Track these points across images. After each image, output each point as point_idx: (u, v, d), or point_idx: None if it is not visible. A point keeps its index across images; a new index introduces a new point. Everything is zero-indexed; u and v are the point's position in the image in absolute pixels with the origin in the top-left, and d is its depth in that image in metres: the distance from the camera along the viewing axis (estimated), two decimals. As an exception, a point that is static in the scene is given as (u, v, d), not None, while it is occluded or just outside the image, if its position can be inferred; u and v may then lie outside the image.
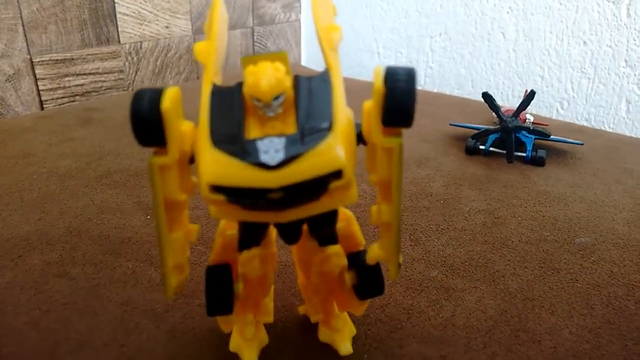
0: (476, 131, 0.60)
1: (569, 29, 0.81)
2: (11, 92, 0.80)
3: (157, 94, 0.23)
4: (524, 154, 0.57)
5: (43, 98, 0.83)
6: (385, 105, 0.22)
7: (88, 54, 0.86)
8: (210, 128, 0.23)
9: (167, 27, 0.96)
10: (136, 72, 0.94)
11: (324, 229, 0.27)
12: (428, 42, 0.97)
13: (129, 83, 0.93)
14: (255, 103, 0.23)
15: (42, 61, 0.82)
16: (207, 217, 0.46)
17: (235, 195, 0.23)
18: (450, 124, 0.67)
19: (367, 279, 0.28)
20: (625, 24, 0.75)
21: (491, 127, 0.57)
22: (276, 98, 0.23)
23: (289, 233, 0.27)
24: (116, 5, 0.88)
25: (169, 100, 0.23)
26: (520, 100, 0.55)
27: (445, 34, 0.95)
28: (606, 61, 0.79)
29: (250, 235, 0.27)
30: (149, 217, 0.47)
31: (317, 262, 0.28)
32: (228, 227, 0.29)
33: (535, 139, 0.59)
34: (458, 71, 0.96)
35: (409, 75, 0.22)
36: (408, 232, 0.43)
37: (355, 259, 0.29)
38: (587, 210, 0.48)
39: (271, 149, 0.22)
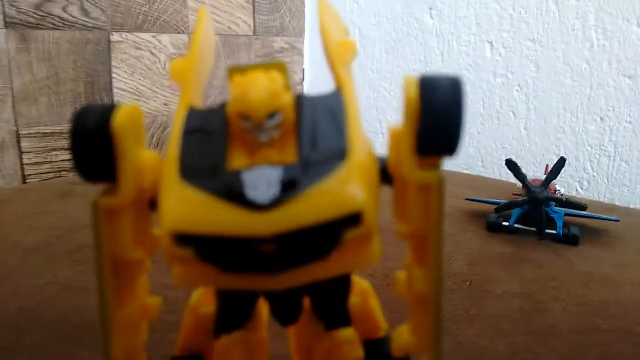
0: (496, 206, 0.54)
1: (584, 106, 0.78)
2: (-8, 164, 0.75)
3: (108, 110, 0.17)
4: (554, 232, 0.51)
5: (27, 172, 0.78)
6: (421, 126, 0.16)
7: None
8: (180, 158, 0.17)
9: (165, 104, 0.93)
10: (130, 148, 0.89)
11: (333, 304, 0.20)
12: (435, 121, 0.94)
13: (122, 159, 0.89)
14: (242, 124, 0.17)
15: (30, 134, 0.77)
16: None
17: (210, 249, 0.16)
18: (467, 199, 0.60)
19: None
20: (644, 99, 0.72)
21: (518, 199, 0.51)
22: (271, 116, 0.17)
23: (285, 309, 0.20)
24: (114, 80, 0.85)
25: (125, 117, 0.17)
26: (550, 169, 0.49)
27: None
28: (627, 138, 0.74)
29: (232, 313, 0.20)
30: (118, 297, 0.39)
31: (323, 353, 0.20)
32: (202, 302, 0.21)
33: (565, 214, 0.52)
34: (467, 151, 0.91)
35: (454, 85, 0.16)
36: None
37: (375, 348, 0.21)
38: (642, 295, 0.40)
39: (262, 183, 0.16)
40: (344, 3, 1.04)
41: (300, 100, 0.18)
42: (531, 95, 0.83)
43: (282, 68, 0.18)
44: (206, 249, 0.16)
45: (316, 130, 0.17)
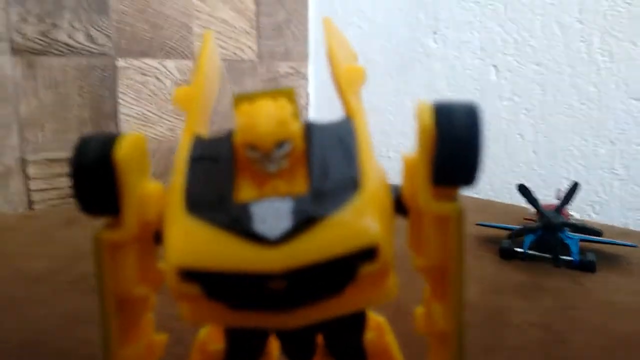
0: (508, 231, 0.53)
1: (593, 129, 0.77)
2: (-2, 191, 0.74)
3: (109, 139, 0.16)
4: (570, 258, 0.49)
5: (33, 198, 0.77)
6: (437, 154, 0.15)
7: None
8: (185, 190, 0.16)
9: (171, 129, 0.93)
10: (135, 174, 0.89)
11: (348, 341, 0.19)
12: (442, 145, 0.93)
13: (127, 185, 0.88)
14: (250, 154, 0.16)
15: (36, 160, 0.77)
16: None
17: (218, 285, 0.15)
18: (478, 224, 0.59)
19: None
20: (655, 121, 0.71)
21: (531, 225, 0.50)
22: (279, 146, 0.16)
23: (298, 347, 0.18)
24: (120, 106, 0.85)
25: (128, 147, 0.16)
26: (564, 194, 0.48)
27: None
28: (638, 160, 0.73)
29: (242, 351, 0.19)
30: (122, 329, 0.38)
31: (339, 394, 0.19)
32: (210, 338, 0.20)
33: (580, 240, 0.51)
34: (475, 174, 0.90)
35: (470, 111, 0.16)
36: (446, 351, 0.34)
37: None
38: (665, 324, 0.38)
39: (271, 216, 0.15)
40: (347, 27, 1.05)
41: (310, 129, 0.17)
42: (538, 118, 0.82)
43: (290, 95, 0.17)
44: (213, 285, 0.15)
45: (326, 160, 0.16)
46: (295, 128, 0.16)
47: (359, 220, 0.15)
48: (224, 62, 0.98)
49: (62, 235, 0.60)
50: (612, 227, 0.67)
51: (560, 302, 0.42)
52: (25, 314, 0.40)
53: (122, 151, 0.16)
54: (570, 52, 0.78)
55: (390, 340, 0.21)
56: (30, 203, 0.77)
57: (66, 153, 0.80)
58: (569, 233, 0.51)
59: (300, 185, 0.16)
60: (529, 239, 0.51)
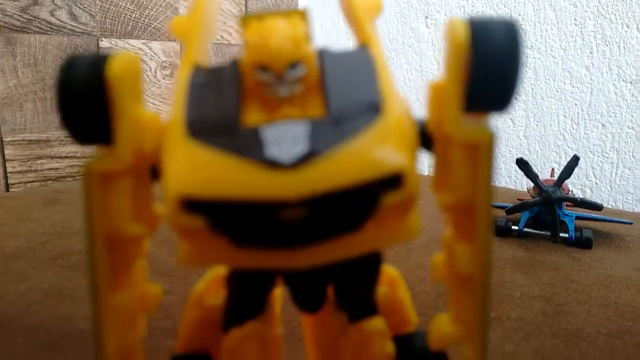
0: (504, 210, 0.52)
1: (585, 112, 0.76)
2: (-27, 172, 0.71)
3: (100, 58, 0.14)
4: (566, 235, 0.48)
5: (10, 181, 0.74)
6: (473, 74, 0.14)
7: (66, 136, 0.79)
8: (186, 115, 0.14)
9: (156, 112, 0.91)
10: (119, 157, 0.86)
11: (360, 293, 0.17)
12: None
13: (110, 169, 0.85)
14: (260, 76, 0.14)
15: (14, 141, 0.74)
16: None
17: (225, 217, 0.13)
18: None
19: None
20: (646, 104, 0.71)
21: (529, 200, 0.49)
22: (292, 67, 0.14)
23: (308, 295, 0.17)
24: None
25: (121, 66, 0.14)
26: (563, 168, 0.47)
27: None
28: (629, 144, 0.73)
29: (245, 301, 0.17)
30: (107, 303, 0.36)
31: (349, 347, 0.18)
32: (208, 292, 0.19)
33: (576, 218, 0.50)
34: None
35: (509, 27, 0.14)
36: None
37: (406, 344, 0.19)
38: (667, 297, 0.38)
39: (286, 139, 0.13)
40: (338, 14, 1.03)
41: (323, 54, 0.15)
42: (530, 102, 0.82)
43: (303, 15, 0.15)
44: (219, 217, 0.13)
45: (344, 84, 0.15)
46: (310, 50, 0.15)
47: (383, 145, 0.13)
48: (210, 46, 0.96)
49: (40, 215, 0.57)
50: (605, 208, 0.67)
51: (560, 276, 0.41)
52: (3, 289, 0.38)
53: (115, 70, 0.14)
54: (562, 36, 0.78)
55: (404, 295, 0.19)
56: (8, 186, 0.74)
57: (46, 134, 0.77)
58: (566, 211, 0.50)
59: (316, 110, 0.14)
60: (525, 216, 0.50)
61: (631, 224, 0.51)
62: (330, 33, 1.03)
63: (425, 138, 0.16)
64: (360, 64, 0.15)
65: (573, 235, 0.48)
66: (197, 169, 0.13)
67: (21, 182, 0.75)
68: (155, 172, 0.16)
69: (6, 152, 0.73)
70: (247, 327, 0.17)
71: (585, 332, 0.32)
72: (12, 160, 0.74)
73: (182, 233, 0.14)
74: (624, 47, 0.72)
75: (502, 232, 0.50)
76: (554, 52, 0.78)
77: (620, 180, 0.74)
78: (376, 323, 0.17)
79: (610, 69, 0.74)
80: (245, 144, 0.13)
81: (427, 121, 0.16)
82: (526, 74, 0.81)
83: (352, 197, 0.13)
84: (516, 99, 0.15)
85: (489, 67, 0.14)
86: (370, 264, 0.17)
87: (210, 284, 0.19)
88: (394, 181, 0.13)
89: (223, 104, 0.14)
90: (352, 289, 0.17)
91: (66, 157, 0.80)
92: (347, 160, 0.13)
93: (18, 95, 0.74)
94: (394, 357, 0.18)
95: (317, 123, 0.14)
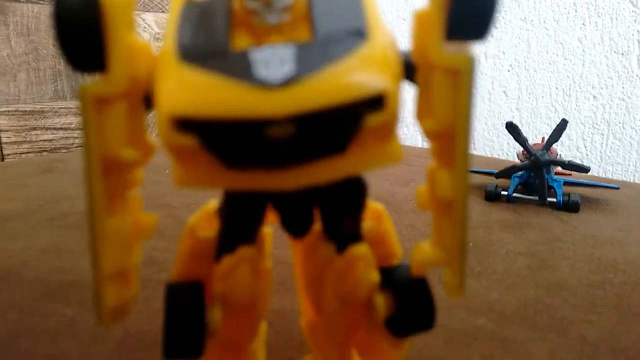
0: (494, 176, 0.53)
1: (577, 84, 0.77)
2: (-32, 142, 0.72)
3: None
4: (554, 200, 0.49)
5: (5, 152, 0.75)
6: (454, 3, 0.15)
7: (61, 107, 0.79)
8: (178, 40, 0.15)
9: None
10: (113, 130, 0.86)
11: (346, 215, 0.18)
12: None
13: (105, 141, 0.86)
14: (249, 4, 0.15)
15: (8, 111, 0.74)
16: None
17: (216, 136, 0.14)
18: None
19: (411, 300, 0.19)
20: (637, 75, 0.71)
21: (518, 163, 0.50)
22: None
23: (296, 216, 0.18)
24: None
25: None
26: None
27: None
28: (620, 115, 0.74)
29: (237, 227, 0.18)
30: (103, 259, 0.36)
31: (335, 274, 0.19)
32: (201, 225, 0.19)
33: (564, 183, 0.51)
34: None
35: None
36: (436, 274, 0.34)
37: (390, 275, 0.19)
38: (649, 254, 0.39)
39: (274, 61, 0.14)
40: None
41: None
42: (523, 74, 0.82)
43: None
44: (211, 136, 0.14)
45: (331, 12, 0.15)
46: None
47: (367, 68, 0.14)
48: None
49: (36, 182, 0.57)
50: (593, 176, 0.68)
51: (546, 235, 0.42)
52: (0, 247, 0.38)
53: None
54: (555, 7, 0.78)
55: (389, 227, 0.20)
56: (3, 157, 0.75)
57: (40, 105, 0.77)
58: (554, 176, 0.51)
59: (304, 36, 0.15)
60: (514, 182, 0.51)
61: (618, 188, 0.52)
62: None
63: (409, 69, 0.16)
64: None
65: (561, 199, 0.49)
66: (188, 89, 0.14)
67: (16, 153, 0.76)
68: (149, 102, 0.16)
69: (0, 122, 0.74)
70: (239, 252, 0.18)
71: (568, 284, 0.33)
72: (7, 130, 0.74)
73: (175, 154, 0.15)
74: (616, 19, 0.73)
75: (492, 197, 0.51)
76: (547, 24, 0.79)
77: (610, 152, 0.75)
78: (361, 249, 0.18)
79: (602, 41, 0.74)
80: (234, 66, 0.14)
81: (411, 50, 0.16)
82: (519, 47, 0.82)
83: (337, 117, 0.14)
84: (493, 29, 0.15)
85: None
86: (355, 192, 0.18)
87: (202, 218, 0.20)
88: (376, 102, 0.14)
89: (213, 31, 0.15)
90: (338, 218, 0.18)
91: (60, 128, 0.80)
92: (332, 80, 0.14)
93: (12, 65, 0.74)
94: (378, 286, 0.19)
95: (304, 46, 0.14)
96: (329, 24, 0.15)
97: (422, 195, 0.18)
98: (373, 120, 0.14)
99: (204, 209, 0.20)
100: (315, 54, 0.14)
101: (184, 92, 0.14)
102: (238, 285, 0.18)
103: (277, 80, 0.14)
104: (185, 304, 0.18)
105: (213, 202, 0.20)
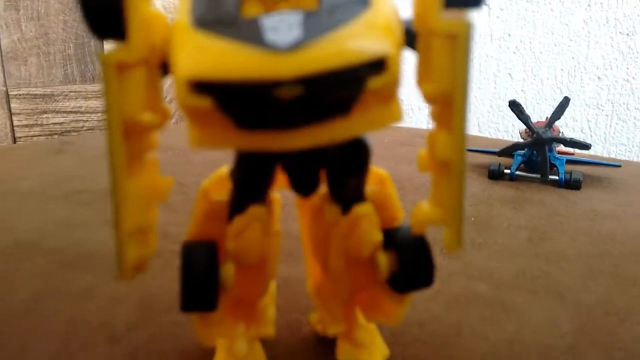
0: (496, 155, 0.54)
1: (581, 65, 0.77)
2: (-19, 124, 0.73)
3: None
4: (556, 177, 0.50)
5: (17, 134, 0.76)
6: None
7: (70, 91, 0.80)
8: (191, 9, 0.16)
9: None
10: (122, 113, 0.88)
11: (351, 177, 0.19)
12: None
13: (114, 124, 0.87)
14: None
15: (19, 95, 0.76)
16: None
17: (229, 97, 0.15)
18: (468, 150, 0.60)
19: (412, 258, 0.20)
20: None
21: (521, 142, 0.50)
22: None
23: (303, 175, 0.19)
24: (105, 42, 0.83)
25: None
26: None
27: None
28: (624, 96, 0.74)
29: (249, 182, 0.19)
30: (118, 232, 0.38)
31: (340, 236, 0.20)
32: (214, 189, 0.21)
33: (567, 161, 0.52)
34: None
35: None
36: (438, 246, 0.35)
37: (393, 236, 0.21)
38: (647, 228, 0.40)
39: (282, 27, 0.15)
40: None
41: None
42: (528, 56, 0.83)
43: None
44: (225, 98, 0.15)
45: None
46: None
47: (370, 33, 0.15)
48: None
49: (49, 162, 0.59)
50: (596, 155, 0.69)
51: (547, 211, 0.43)
52: (19, 220, 0.40)
53: None
54: (561, -12, 0.78)
55: (392, 191, 0.21)
56: (15, 139, 0.76)
57: (51, 89, 0.78)
58: (557, 155, 0.52)
59: (311, 3, 0.16)
60: (517, 160, 0.52)
61: (619, 166, 0.53)
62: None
63: (410, 37, 0.17)
64: None
65: (563, 177, 0.50)
66: (203, 54, 0.15)
67: (27, 136, 0.77)
68: (165, 69, 0.17)
69: (12, 105, 0.75)
70: (250, 211, 0.19)
71: (567, 254, 0.34)
72: (18, 114, 0.76)
73: (191, 115, 0.16)
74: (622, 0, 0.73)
75: (495, 175, 0.52)
76: (553, 5, 0.79)
77: (614, 133, 0.76)
78: (365, 208, 0.19)
79: (607, 22, 0.74)
80: (245, 32, 0.15)
81: (412, 18, 0.17)
82: (525, 28, 0.82)
83: (341, 80, 0.15)
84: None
85: None
86: (359, 154, 0.19)
87: (215, 182, 0.21)
88: (378, 66, 0.15)
89: (224, 1, 0.16)
90: (343, 179, 0.19)
91: (70, 112, 0.81)
92: (336, 45, 0.15)
93: (22, 49, 0.75)
94: (381, 246, 0.20)
95: (311, 13, 0.15)
96: None
97: (422, 158, 0.19)
98: (375, 82, 0.15)
99: (216, 173, 0.21)
100: (321, 20, 0.15)
101: (199, 57, 0.15)
102: (249, 243, 0.19)
103: (285, 44, 0.15)
104: (200, 260, 0.19)
105: (225, 168, 0.21)
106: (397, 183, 0.21)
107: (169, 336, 0.25)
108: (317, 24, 0.15)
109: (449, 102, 0.17)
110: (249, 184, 0.19)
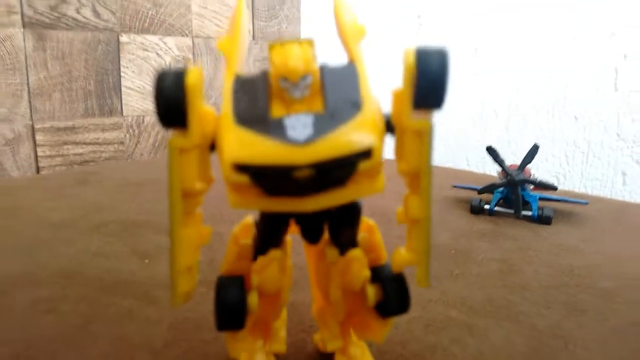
0: (477, 192, 0.60)
1: (560, 104, 0.84)
2: (8, 155, 0.79)
3: (181, 71, 0.22)
4: (530, 213, 0.57)
5: (40, 164, 0.82)
6: (417, 85, 0.22)
7: (90, 124, 0.87)
8: (233, 110, 0.22)
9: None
10: (136, 144, 0.94)
11: (347, 228, 0.26)
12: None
13: (128, 155, 0.93)
14: (281, 84, 0.22)
15: (44, 128, 0.82)
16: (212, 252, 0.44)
17: (261, 175, 0.22)
18: (454, 186, 0.66)
19: (393, 290, 0.26)
20: (614, 98, 0.79)
21: (497, 182, 0.57)
22: (304, 78, 0.22)
23: (312, 228, 0.25)
24: (122, 79, 0.90)
25: (194, 77, 0.22)
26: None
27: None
28: (599, 135, 0.81)
29: (269, 235, 0.25)
30: (146, 261, 0.44)
31: (338, 272, 0.26)
32: (242, 234, 0.27)
33: (540, 198, 0.58)
34: (452, 151, 0.97)
35: (441, 55, 0.22)
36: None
37: (378, 272, 0.27)
38: (604, 260, 0.46)
39: (299, 126, 0.21)
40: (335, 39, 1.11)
41: (323, 68, 0.23)
42: (512, 95, 0.89)
43: (310, 42, 0.23)
44: (257, 175, 0.21)
45: (337, 90, 0.23)
46: (315, 66, 0.22)
47: (361, 130, 0.21)
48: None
49: (74, 193, 0.65)
50: (571, 191, 0.75)
51: (518, 244, 0.49)
52: (56, 250, 0.46)
53: (192, 80, 0.22)
54: (539, 31, 0.85)
55: (378, 238, 0.27)
56: (38, 169, 0.82)
57: (72, 122, 0.85)
58: (531, 192, 0.59)
59: (318, 106, 0.22)
60: (496, 197, 0.59)
61: (587, 203, 0.59)
62: (329, 52, 1.10)
63: (390, 126, 0.24)
64: (348, 75, 0.23)
65: (536, 213, 0.56)
66: (243, 144, 0.21)
67: (50, 166, 0.83)
68: (212, 147, 0.24)
69: (37, 137, 0.81)
70: (270, 254, 0.25)
71: (530, 285, 0.40)
72: (43, 145, 0.82)
73: (233, 186, 0.22)
74: (596, 40, 0.80)
75: (476, 210, 0.59)
76: (534, 45, 0.86)
77: (590, 169, 0.83)
78: (356, 252, 0.26)
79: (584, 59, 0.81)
80: (273, 129, 0.21)
81: (391, 115, 0.24)
82: (508, 70, 0.89)
83: (341, 164, 0.21)
84: (445, 101, 0.23)
85: (428, 80, 0.22)
86: (353, 212, 0.25)
87: (243, 229, 0.27)
88: (367, 154, 0.21)
89: (258, 102, 0.22)
90: (341, 230, 0.25)
91: (90, 143, 0.88)
92: (338, 140, 0.21)
93: (47, 86, 0.82)
94: (369, 280, 0.26)
95: (319, 116, 0.22)
96: (336, 99, 0.22)
97: (400, 214, 0.25)
98: (364, 165, 0.22)
99: (243, 222, 0.27)
100: (326, 121, 0.22)
101: (240, 146, 0.21)
102: (269, 278, 0.25)
103: (301, 139, 0.21)
104: (232, 288, 0.25)
105: (249, 218, 0.27)
106: (384, 217, 0.26)
107: (200, 352, 0.31)
108: (323, 124, 0.21)
109: (417, 176, 0.23)
110: (270, 233, 0.25)
